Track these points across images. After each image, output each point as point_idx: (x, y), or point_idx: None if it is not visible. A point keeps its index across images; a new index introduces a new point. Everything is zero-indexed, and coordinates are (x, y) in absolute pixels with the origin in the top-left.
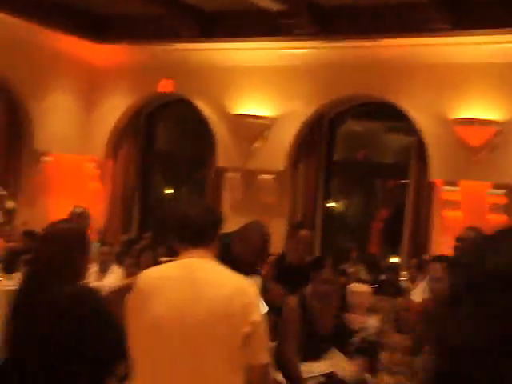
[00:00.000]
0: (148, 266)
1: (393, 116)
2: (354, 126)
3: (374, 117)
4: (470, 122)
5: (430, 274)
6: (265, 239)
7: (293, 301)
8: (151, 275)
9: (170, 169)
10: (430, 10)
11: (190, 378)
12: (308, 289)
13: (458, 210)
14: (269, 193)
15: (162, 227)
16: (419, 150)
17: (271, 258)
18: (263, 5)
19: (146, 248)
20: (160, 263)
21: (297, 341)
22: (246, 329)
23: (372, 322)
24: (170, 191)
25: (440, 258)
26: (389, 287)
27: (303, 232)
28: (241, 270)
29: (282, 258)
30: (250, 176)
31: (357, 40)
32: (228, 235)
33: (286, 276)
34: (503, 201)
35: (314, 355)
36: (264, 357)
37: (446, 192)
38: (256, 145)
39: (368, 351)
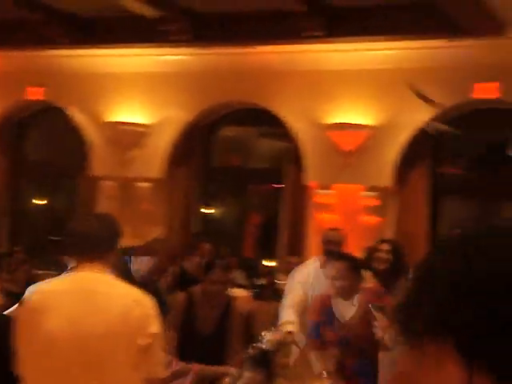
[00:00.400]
0: (24, 281)
1: (268, 122)
2: (230, 132)
3: (250, 123)
4: (343, 126)
5: (334, 272)
6: (168, 255)
7: (181, 295)
8: (43, 290)
9: (42, 179)
10: (304, 17)
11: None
12: (197, 288)
13: (332, 213)
14: (146, 200)
15: (36, 239)
16: (295, 154)
17: (170, 269)
18: (138, 11)
19: (21, 262)
20: (35, 277)
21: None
22: (144, 341)
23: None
24: (43, 202)
25: (342, 257)
26: (267, 291)
27: (206, 245)
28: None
29: (182, 271)
30: (126, 184)
31: (231, 47)
32: (128, 250)
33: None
34: (376, 203)
35: (194, 356)
36: (161, 370)
37: (320, 195)
38: (132, 153)
39: (265, 363)
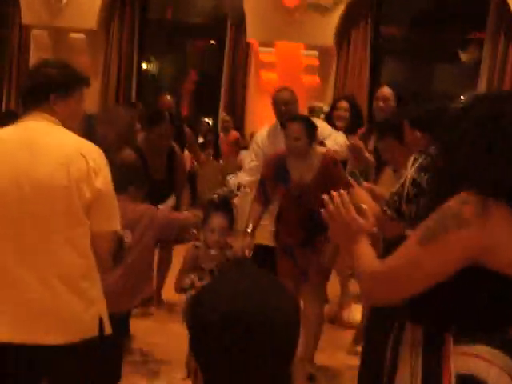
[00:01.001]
0: None
1: None
2: None
3: None
4: None
5: (289, 133)
6: (132, 124)
7: (131, 153)
8: None
9: None
10: None
11: (33, 250)
12: (143, 140)
13: (274, 72)
14: (80, 52)
15: None
16: (237, 10)
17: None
18: None
19: None
20: None
21: None
22: (88, 195)
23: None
24: None
25: (296, 118)
26: (208, 149)
27: (167, 97)
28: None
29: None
30: (59, 34)
31: None
32: (93, 116)
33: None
34: (316, 62)
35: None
36: (109, 224)
37: (262, 53)
38: (64, 1)
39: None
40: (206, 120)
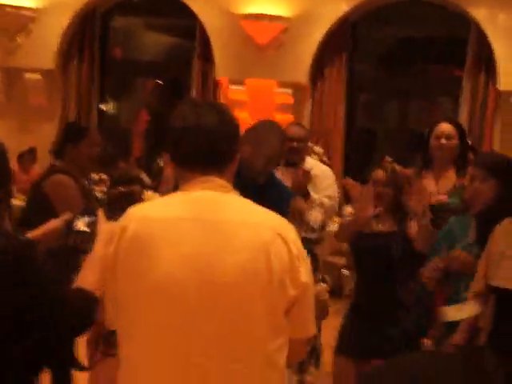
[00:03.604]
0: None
1: (174, 11)
2: (126, 21)
3: (151, 11)
4: (258, 17)
5: None
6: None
7: None
8: (147, 216)
9: None
10: None
11: (217, 351)
12: None
13: (245, 110)
14: (37, 93)
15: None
16: (204, 47)
17: None
18: None
19: None
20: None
21: None
22: (293, 292)
23: None
24: None
25: None
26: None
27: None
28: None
29: None
30: (13, 75)
31: None
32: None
33: None
34: (290, 100)
35: None
36: (312, 328)
37: (232, 91)
38: (19, 39)
39: None
40: (158, 161)
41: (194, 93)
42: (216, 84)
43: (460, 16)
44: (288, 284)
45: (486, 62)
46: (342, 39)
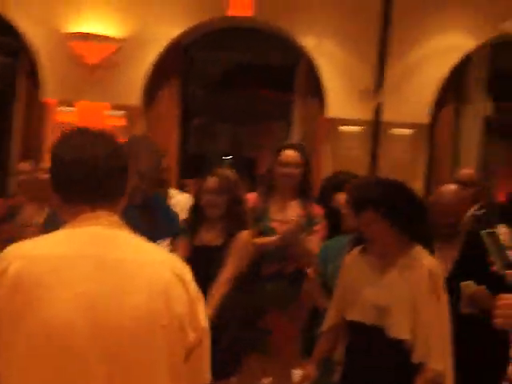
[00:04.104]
0: None
1: None
2: None
3: None
4: (87, 37)
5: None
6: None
7: None
8: (31, 254)
9: None
10: None
11: None
12: None
13: None
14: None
15: None
16: (29, 66)
17: None
18: None
19: None
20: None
21: None
22: (192, 336)
23: None
24: None
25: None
26: None
27: None
28: None
29: None
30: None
31: None
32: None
33: None
34: (122, 122)
35: None
36: (208, 375)
37: (61, 113)
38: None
39: None
40: None
41: (18, 113)
42: (43, 105)
43: (291, 44)
44: (187, 328)
45: (315, 90)
46: (174, 62)
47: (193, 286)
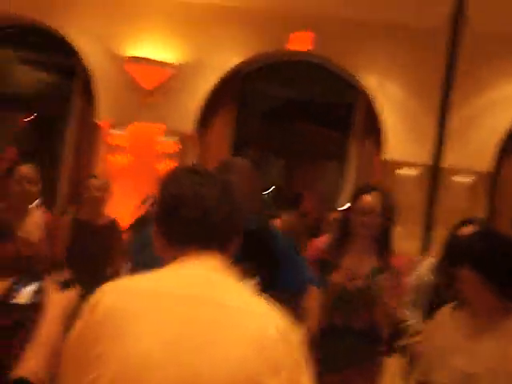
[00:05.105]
0: None
1: (53, 45)
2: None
3: (27, 44)
4: (144, 61)
5: None
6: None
7: None
8: (124, 288)
9: None
10: None
11: None
12: None
13: (126, 156)
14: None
15: None
16: (85, 87)
17: None
18: None
19: None
20: None
21: None
22: None
23: None
24: None
25: None
26: None
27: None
28: None
29: None
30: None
31: None
32: None
33: None
34: (175, 148)
35: None
36: None
37: (113, 136)
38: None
39: None
40: None
41: (70, 134)
42: (95, 127)
43: (351, 82)
44: None
45: (373, 130)
46: (231, 91)
47: (299, 353)
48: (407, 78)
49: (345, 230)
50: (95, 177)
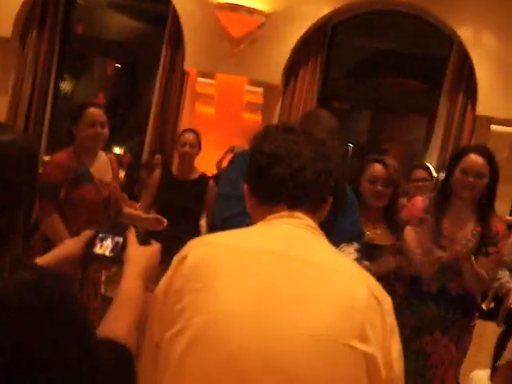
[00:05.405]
0: None
1: None
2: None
3: None
4: (234, 8)
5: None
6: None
7: None
8: (213, 243)
9: None
10: None
11: None
12: None
13: (212, 105)
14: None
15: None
16: (173, 34)
17: None
18: None
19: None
20: None
21: None
22: (384, 374)
23: None
24: None
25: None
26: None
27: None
28: None
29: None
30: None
31: None
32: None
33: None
34: (260, 99)
35: None
36: None
37: (200, 84)
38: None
39: None
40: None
41: (157, 81)
42: (183, 75)
43: (445, 33)
44: (380, 364)
45: (466, 84)
46: (319, 42)
47: (391, 317)
48: (506, 30)
49: (446, 190)
50: (189, 131)
